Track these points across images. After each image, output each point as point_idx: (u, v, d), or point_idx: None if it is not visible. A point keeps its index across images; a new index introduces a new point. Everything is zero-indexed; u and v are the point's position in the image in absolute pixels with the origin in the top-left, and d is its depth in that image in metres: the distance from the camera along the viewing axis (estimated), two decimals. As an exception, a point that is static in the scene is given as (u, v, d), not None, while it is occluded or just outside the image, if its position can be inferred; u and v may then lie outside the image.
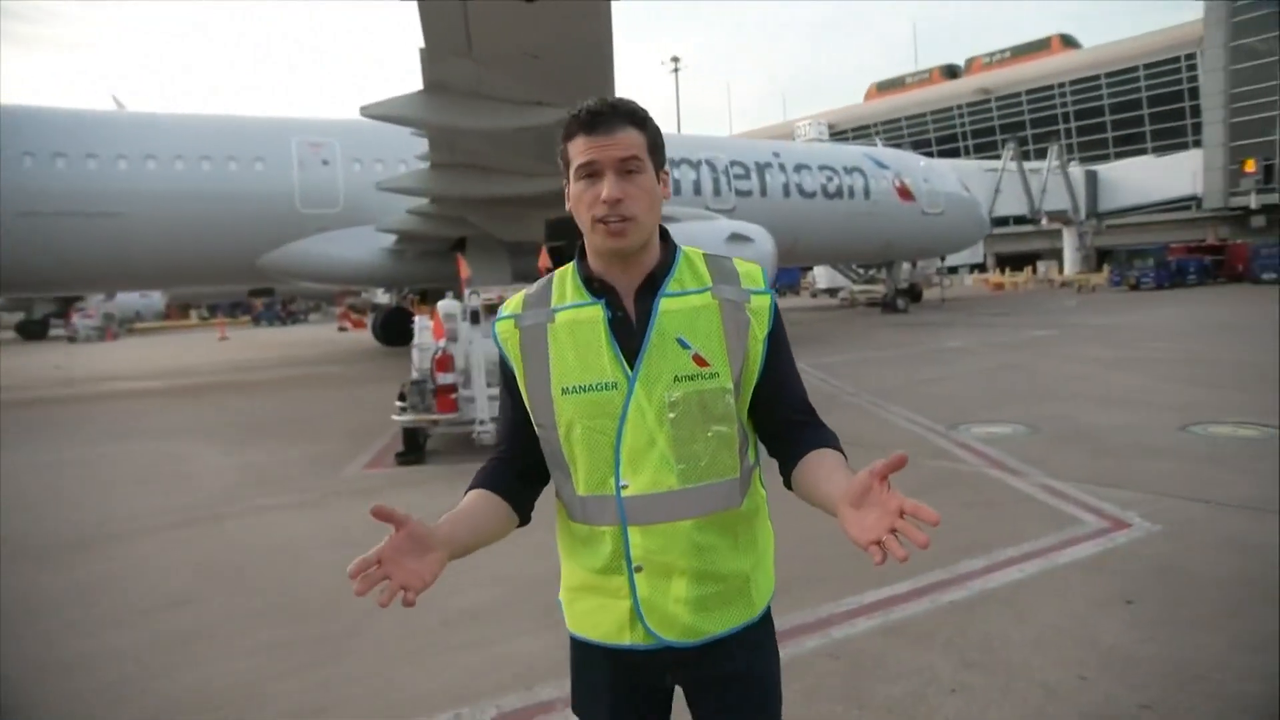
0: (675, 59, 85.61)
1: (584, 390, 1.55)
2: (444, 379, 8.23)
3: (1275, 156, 44.27)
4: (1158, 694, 3.21)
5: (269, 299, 47.80)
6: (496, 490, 1.69)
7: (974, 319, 24.28)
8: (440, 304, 8.58)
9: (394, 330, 23.89)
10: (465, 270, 10.09)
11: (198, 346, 30.54)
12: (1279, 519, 5.20)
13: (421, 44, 10.10)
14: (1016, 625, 3.86)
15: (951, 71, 66.19)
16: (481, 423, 8.29)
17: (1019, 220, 48.36)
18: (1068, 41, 61.14)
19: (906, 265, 30.98)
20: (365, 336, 28.70)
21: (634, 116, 1.56)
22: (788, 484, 1.66)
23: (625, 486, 1.55)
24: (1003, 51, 62.93)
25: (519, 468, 1.71)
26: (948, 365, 13.71)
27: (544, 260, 10.38)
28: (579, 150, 1.54)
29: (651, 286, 1.59)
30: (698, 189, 22.85)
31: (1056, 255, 51.47)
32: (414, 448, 8.57)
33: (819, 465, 1.56)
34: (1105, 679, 3.34)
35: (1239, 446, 7.25)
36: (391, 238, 19.21)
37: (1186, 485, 6.07)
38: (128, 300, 45.65)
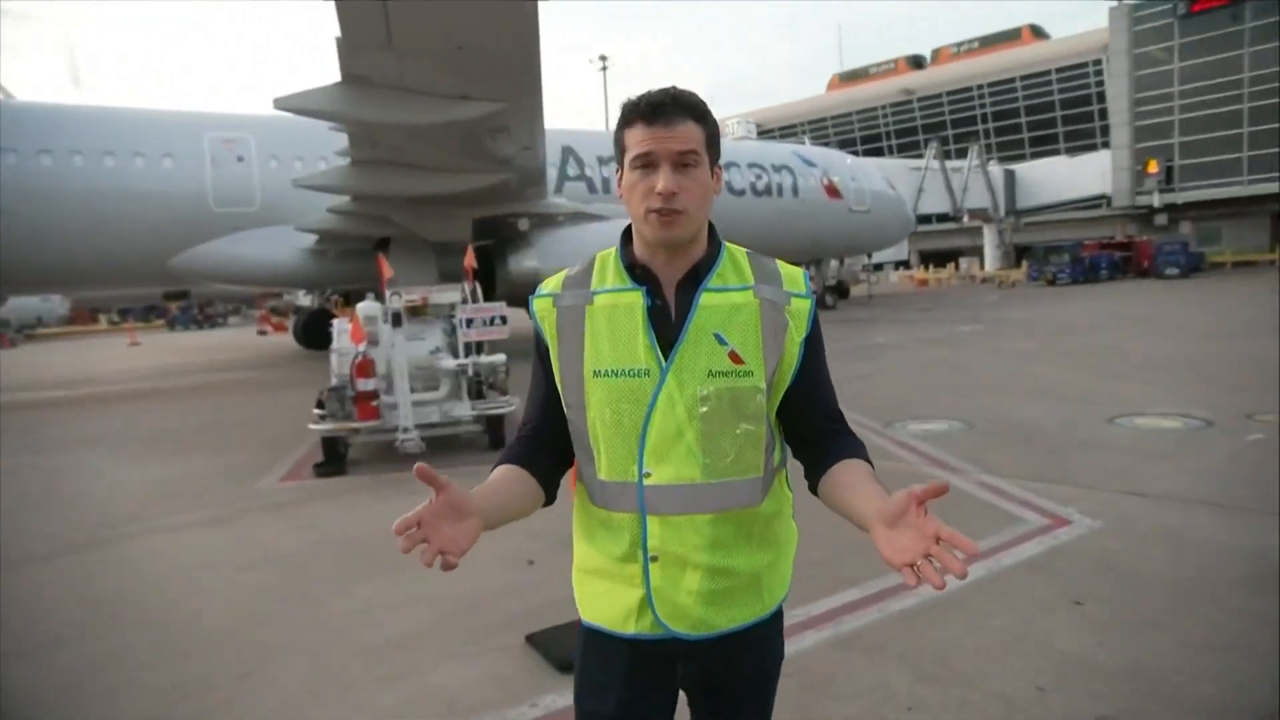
0: (604, 57, 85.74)
1: (616, 375, 1.55)
2: (364, 385, 7.79)
3: (1175, 159, 46.48)
4: (1118, 702, 3.10)
5: (185, 302, 45.71)
6: (526, 467, 1.65)
7: (901, 315, 24.70)
8: (360, 305, 8.14)
9: (315, 333, 22.99)
10: (386, 270, 9.60)
11: (106, 353, 28.98)
12: (1208, 512, 5.24)
13: (338, 34, 9.59)
14: (969, 632, 3.73)
15: (917, 62, 65.45)
16: (405, 430, 7.88)
17: (942, 218, 49.64)
18: (1037, 32, 60.75)
19: (834, 262, 31.38)
20: (286, 340, 27.66)
21: (694, 110, 1.53)
22: (813, 489, 1.65)
23: (648, 475, 1.54)
24: (971, 42, 62.40)
25: (547, 446, 1.68)
26: (879, 361, 13.80)
27: (469, 260, 9.98)
28: (636, 140, 1.51)
29: (694, 279, 1.58)
30: (628, 188, 22.59)
31: (977, 252, 53.06)
32: (334, 458, 8.10)
33: (848, 476, 1.56)
34: (1063, 688, 3.22)
35: (1163, 438, 7.38)
36: (311, 237, 18.48)
37: (1120, 479, 6.10)
38: (26, 304, 43.02)
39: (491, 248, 18.92)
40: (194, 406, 13.48)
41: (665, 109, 1.50)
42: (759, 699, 1.69)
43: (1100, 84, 53.41)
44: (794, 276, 1.65)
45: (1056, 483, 6.09)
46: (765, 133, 62.37)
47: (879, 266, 49.81)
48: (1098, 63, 53.26)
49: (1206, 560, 4.43)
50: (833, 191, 27.70)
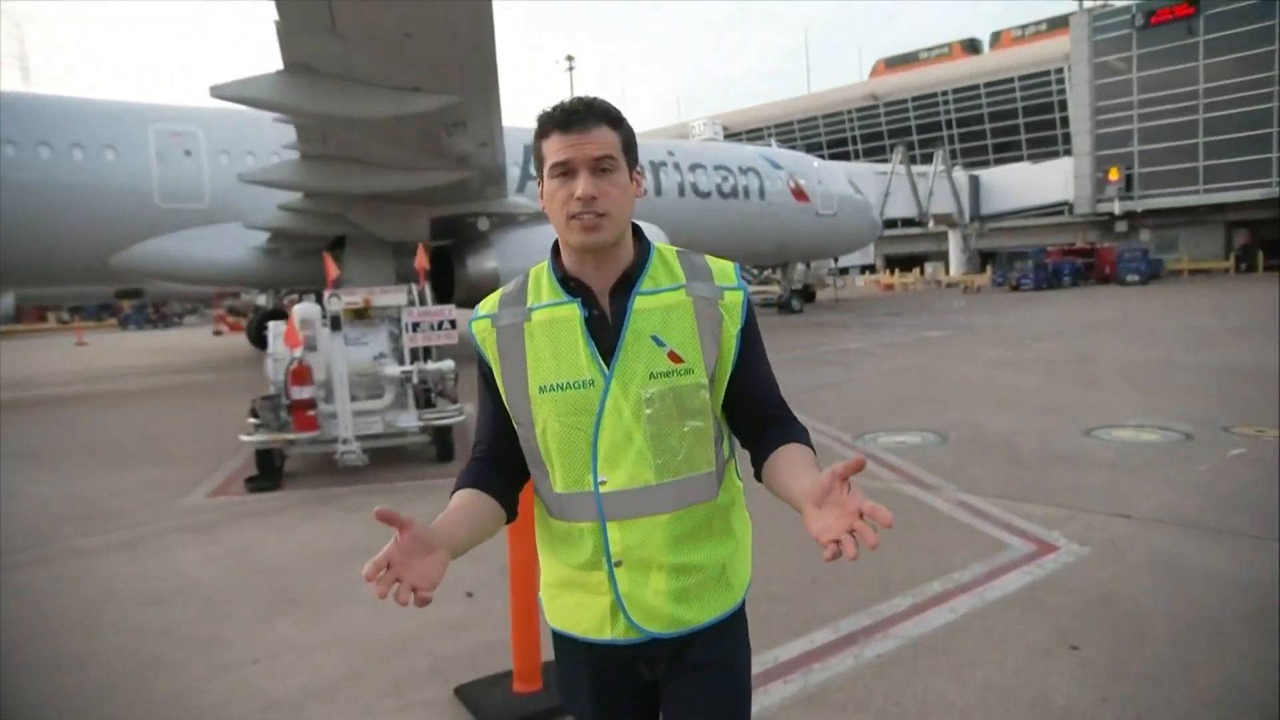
0: (570, 58, 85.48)
1: (561, 388, 1.56)
2: (300, 393, 7.22)
3: (1134, 167, 47.15)
4: (1131, 777, 2.70)
5: (139, 301, 44.24)
6: (484, 489, 1.65)
7: (869, 319, 24.50)
8: (296, 308, 7.56)
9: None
10: (333, 270, 9.01)
11: (49, 354, 27.82)
12: (1201, 537, 4.90)
13: (276, 17, 8.95)
14: (957, 686, 3.31)
15: (973, 46, 63.78)
16: (345, 442, 7.32)
17: (907, 223, 49.83)
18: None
19: (800, 266, 31.17)
20: (242, 341, 26.73)
21: (608, 116, 1.56)
22: (758, 476, 1.66)
23: (603, 482, 1.56)
24: (1039, 23, 60.94)
25: (501, 465, 1.69)
26: (848, 368, 13.47)
27: (421, 260, 9.43)
28: (553, 149, 1.53)
29: (625, 285, 1.59)
30: (593, 187, 22.09)
31: (942, 257, 53.35)
32: (269, 471, 7.52)
33: (787, 461, 1.58)
34: (1066, 757, 2.81)
35: (1143, 452, 7.07)
36: (264, 236, 17.75)
37: (1103, 498, 5.76)
38: (-34, 302, 41.36)
39: (450, 248, 18.34)
40: (131, 413, 12.74)
41: (580, 116, 1.52)
42: (734, 691, 1.69)
43: (1062, 92, 54.06)
44: (724, 270, 1.66)
45: (1039, 502, 5.72)
46: (732, 135, 62.25)
47: (845, 270, 49.82)
48: (1059, 71, 53.89)
49: (1206, 595, 4.07)
50: (800, 195, 27.44)
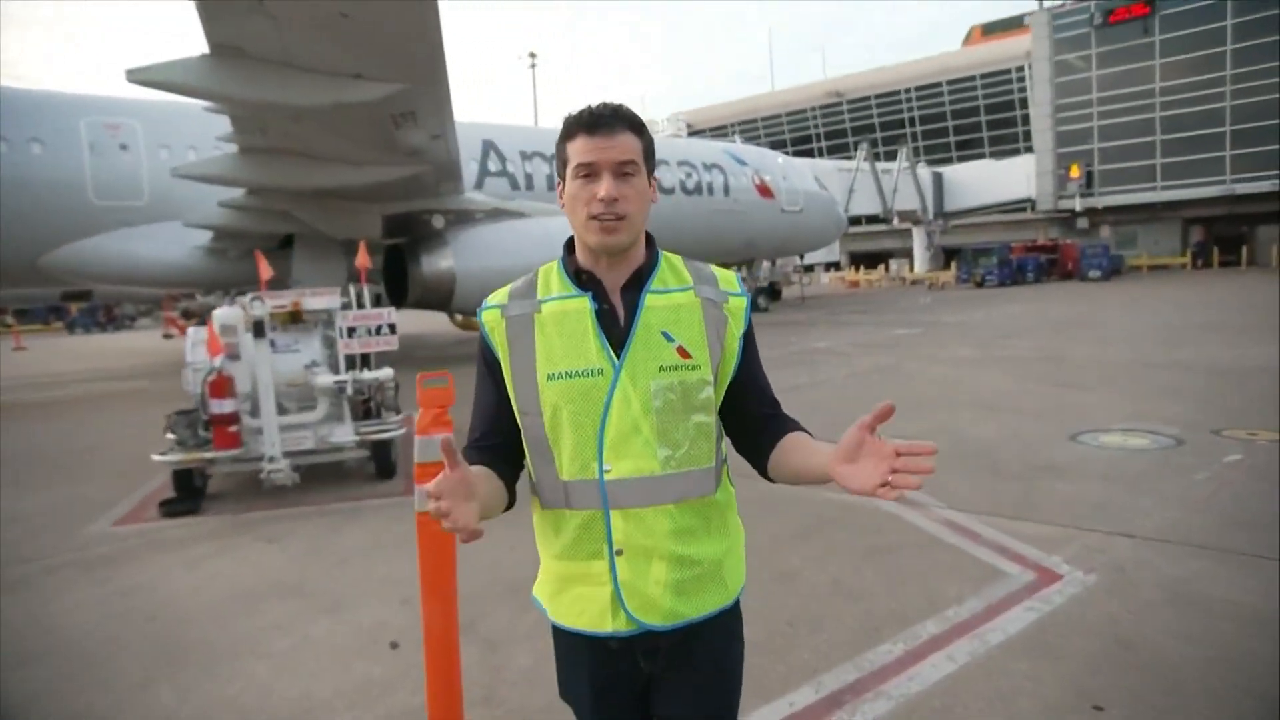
0: (532, 54, 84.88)
1: (570, 376, 1.59)
2: (220, 407, 6.51)
3: (1094, 164, 47.56)
4: None
5: (88, 303, 42.53)
6: (489, 468, 1.64)
7: (836, 317, 24.14)
8: (216, 312, 6.83)
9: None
10: (265, 270, 8.30)
11: (-19, 359, 26.46)
12: (1212, 560, 4.44)
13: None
14: (966, 765, 2.77)
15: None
16: (272, 460, 6.63)
17: (872, 219, 49.73)
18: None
19: (766, 263, 30.78)
20: (186, 345, 25.54)
21: (633, 123, 1.61)
22: (765, 473, 1.74)
23: (608, 470, 1.58)
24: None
25: (499, 453, 1.69)
26: (818, 369, 12.99)
27: (362, 258, 8.73)
28: (578, 150, 1.58)
29: (637, 283, 1.65)
30: (551, 183, 21.45)
31: (907, 254, 53.37)
32: (188, 493, 6.80)
33: (797, 443, 1.67)
34: None
35: (1135, 460, 6.64)
36: (206, 234, 16.84)
37: (1101, 514, 5.29)
38: (-103, 305, 39.44)
39: (405, 247, 17.57)
40: (58, 423, 11.84)
41: (606, 120, 1.58)
42: (725, 688, 1.71)
43: (1023, 90, 54.39)
44: (728, 278, 1.74)
45: (1032, 520, 5.23)
46: (696, 133, 61.73)
47: (810, 268, 49.65)
48: (1020, 69, 54.22)
49: (1231, 635, 3.58)
50: (765, 191, 27.04)
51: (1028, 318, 20.78)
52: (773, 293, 31.83)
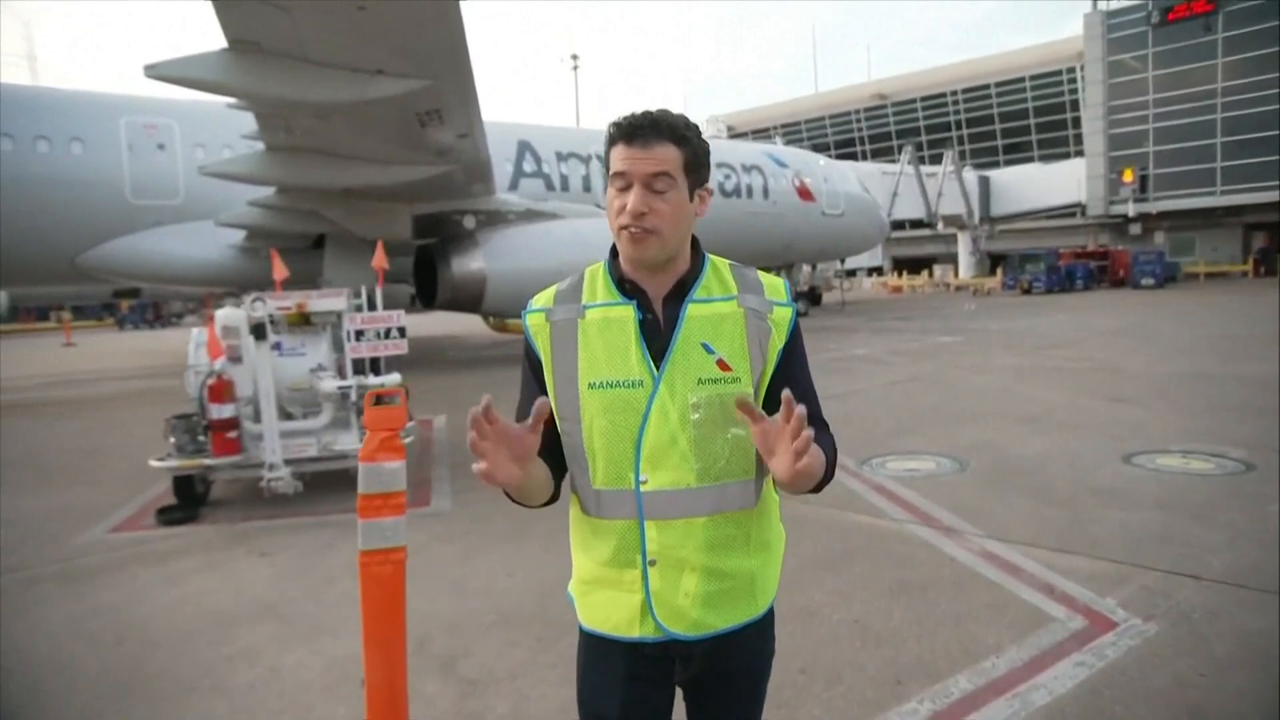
0: (574, 56, 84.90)
1: (611, 386, 1.58)
2: (219, 411, 6.26)
3: (1149, 168, 45.98)
4: None
5: (137, 301, 43.52)
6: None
7: (877, 324, 23.45)
8: (219, 313, 6.59)
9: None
10: (281, 270, 8.06)
11: (32, 354, 27.04)
12: (1299, 606, 3.89)
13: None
14: None
15: None
16: (272, 468, 6.36)
17: (916, 224, 48.68)
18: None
19: (806, 268, 30.17)
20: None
21: (674, 132, 1.57)
22: (774, 484, 1.69)
23: (644, 482, 1.58)
24: None
25: (545, 454, 1.61)
26: (854, 377, 12.46)
27: (380, 259, 8.46)
28: (616, 159, 1.57)
29: (680, 292, 1.64)
30: (587, 185, 21.16)
31: (952, 259, 52.13)
32: (188, 501, 6.57)
33: None
34: None
35: (1197, 486, 6.05)
36: (239, 233, 16.87)
37: (1160, 549, 4.75)
38: (-41, 302, 40.72)
39: (434, 247, 17.39)
40: (81, 422, 11.82)
41: (643, 131, 1.55)
42: (751, 697, 1.73)
43: (1074, 91, 52.94)
44: (775, 286, 1.71)
45: (1082, 554, 4.71)
46: (738, 135, 61.19)
47: (852, 272, 48.81)
48: (1071, 70, 52.77)
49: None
50: (805, 194, 26.47)
51: (1077, 326, 19.92)
52: (813, 298, 31.21)
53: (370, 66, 9.53)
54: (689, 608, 1.59)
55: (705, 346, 1.59)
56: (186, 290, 27.26)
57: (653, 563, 1.59)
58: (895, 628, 3.88)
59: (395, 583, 2.66)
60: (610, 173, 1.58)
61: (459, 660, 3.77)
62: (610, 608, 1.65)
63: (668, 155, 1.55)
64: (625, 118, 1.57)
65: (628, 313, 1.60)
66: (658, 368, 1.57)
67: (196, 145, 17.43)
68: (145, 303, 45.07)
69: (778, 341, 1.65)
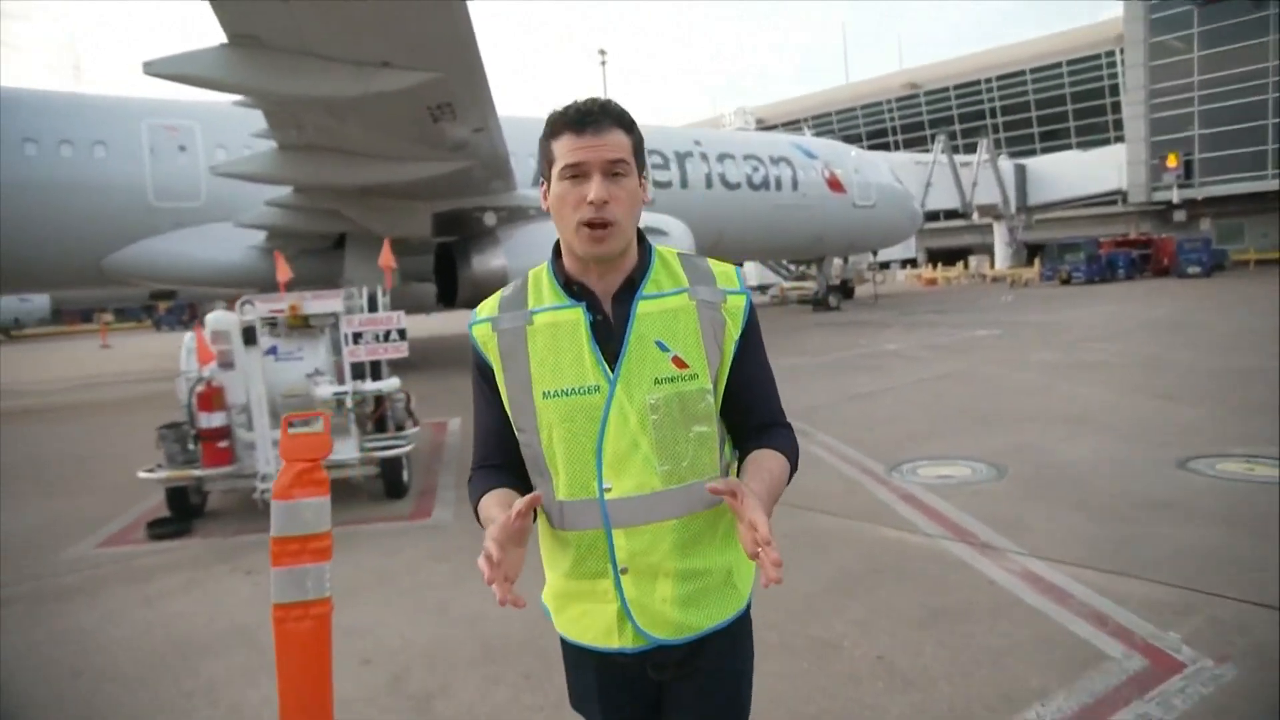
0: (602, 51, 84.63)
1: (566, 394, 1.53)
2: (209, 420, 5.97)
3: (1194, 152, 44.44)
4: None
5: (174, 302, 44.18)
6: (508, 489, 1.60)
7: (910, 317, 22.78)
8: (209, 317, 6.29)
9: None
10: (284, 271, 7.81)
11: (68, 356, 27.40)
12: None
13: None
14: None
15: None
16: (264, 478, 6.05)
17: (950, 214, 47.59)
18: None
19: (838, 260, 29.51)
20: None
21: (622, 119, 1.55)
22: None
23: (608, 489, 1.53)
24: None
25: (507, 470, 1.64)
26: (885, 374, 11.93)
27: (386, 257, 8.17)
28: (565, 149, 1.50)
29: (629, 289, 1.57)
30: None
31: (988, 250, 50.94)
32: (182, 513, 6.31)
33: (749, 467, 1.57)
34: None
35: (1264, 496, 5.48)
36: (260, 234, 16.75)
37: (1229, 572, 4.22)
38: (3, 304, 41.68)
39: (454, 245, 17.12)
40: (92, 425, 11.74)
41: (595, 117, 1.50)
42: (734, 695, 1.66)
43: (1113, 76, 51.35)
44: (728, 274, 1.63)
45: (1138, 576, 4.21)
46: (769, 128, 60.26)
47: (885, 265, 47.92)
48: (1110, 54, 51.20)
49: None
50: (835, 185, 25.85)
51: (1120, 318, 19.11)
52: (845, 291, 30.58)
53: (375, 59, 9.21)
54: (669, 611, 1.54)
55: (659, 344, 1.52)
56: (220, 292, 27.51)
57: (624, 570, 1.54)
58: (925, 666, 3.43)
59: (318, 641, 2.27)
60: (558, 165, 1.49)
61: (435, 699, 3.39)
62: (586, 620, 1.60)
63: (620, 142, 1.50)
64: (569, 107, 1.51)
65: (577, 315, 1.54)
66: (612, 370, 1.51)
67: (218, 147, 17.35)
68: (182, 304, 45.73)
69: (733, 332, 1.58)
